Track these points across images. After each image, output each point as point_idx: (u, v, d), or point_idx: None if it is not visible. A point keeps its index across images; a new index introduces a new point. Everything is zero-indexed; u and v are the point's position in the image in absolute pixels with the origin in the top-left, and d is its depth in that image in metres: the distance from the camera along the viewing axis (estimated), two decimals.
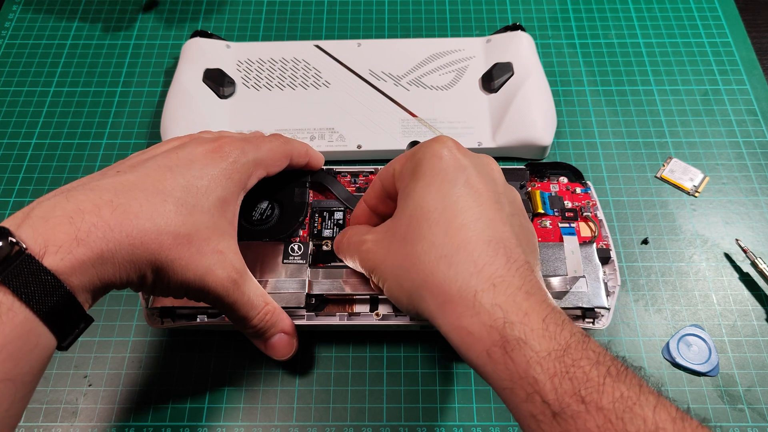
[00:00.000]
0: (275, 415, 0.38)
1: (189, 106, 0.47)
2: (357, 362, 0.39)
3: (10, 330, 0.22)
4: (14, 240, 0.23)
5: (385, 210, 0.34)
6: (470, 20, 0.57)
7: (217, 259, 0.29)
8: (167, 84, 0.53)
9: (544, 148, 0.47)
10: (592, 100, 0.52)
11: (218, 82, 0.49)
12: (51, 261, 0.23)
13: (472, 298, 0.25)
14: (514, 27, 0.52)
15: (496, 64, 0.49)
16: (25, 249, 0.23)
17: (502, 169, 0.42)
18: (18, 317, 0.23)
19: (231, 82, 0.50)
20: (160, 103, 0.52)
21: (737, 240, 0.43)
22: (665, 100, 0.51)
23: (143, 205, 0.26)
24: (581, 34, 0.56)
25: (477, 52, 0.51)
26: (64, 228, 0.24)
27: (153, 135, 0.50)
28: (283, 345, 0.34)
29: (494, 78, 0.49)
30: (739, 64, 0.53)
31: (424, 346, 0.40)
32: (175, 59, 0.54)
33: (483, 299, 0.25)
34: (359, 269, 0.33)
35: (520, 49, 0.50)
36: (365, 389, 0.38)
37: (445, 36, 0.56)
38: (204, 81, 0.49)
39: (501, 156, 0.48)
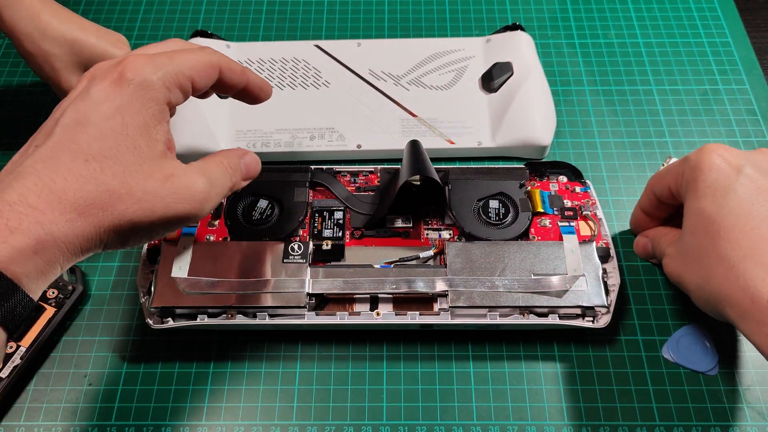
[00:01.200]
0: (275, 414, 0.38)
1: (189, 106, 0.47)
2: (357, 361, 0.39)
3: None
4: None
5: (661, 215, 0.39)
6: (470, 20, 0.57)
7: (174, 184, 0.28)
8: None
9: (543, 148, 0.47)
10: (592, 100, 0.52)
11: None
12: None
13: (766, 304, 0.25)
14: (514, 27, 0.52)
15: (495, 64, 0.49)
16: None
17: (500, 168, 0.43)
18: None
19: None
20: None
21: None
22: (665, 99, 0.51)
23: (67, 177, 0.25)
24: (581, 33, 0.56)
25: (477, 52, 0.51)
26: None
27: None
28: (252, 167, 0.34)
29: (494, 78, 0.49)
30: (739, 63, 0.53)
31: (424, 345, 0.40)
32: None
33: None
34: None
35: (519, 49, 0.50)
36: (365, 388, 0.38)
37: (445, 36, 0.56)
38: None
39: (500, 156, 0.48)
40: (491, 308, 0.36)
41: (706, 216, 0.28)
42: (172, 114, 0.30)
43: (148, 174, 0.27)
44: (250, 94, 0.33)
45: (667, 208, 0.38)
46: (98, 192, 0.26)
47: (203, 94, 0.33)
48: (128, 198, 0.26)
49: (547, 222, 0.41)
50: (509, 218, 0.40)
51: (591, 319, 0.37)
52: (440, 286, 0.37)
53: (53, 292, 0.41)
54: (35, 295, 0.25)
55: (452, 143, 0.47)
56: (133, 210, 0.26)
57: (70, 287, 0.41)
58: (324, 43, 0.53)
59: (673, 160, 0.37)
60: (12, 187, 0.25)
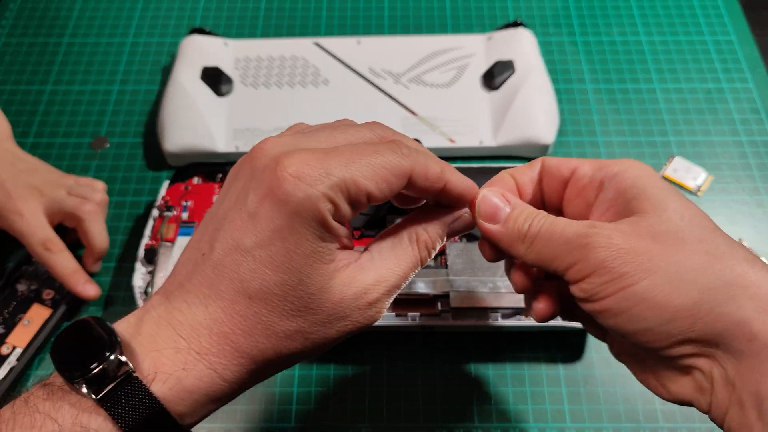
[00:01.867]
0: (273, 417, 0.37)
1: (187, 104, 0.47)
2: (356, 363, 0.39)
3: None
4: (123, 359, 0.21)
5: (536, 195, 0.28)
6: (471, 17, 0.56)
7: (343, 308, 0.24)
8: (165, 82, 0.52)
9: (545, 147, 0.46)
10: (595, 98, 0.51)
11: (216, 80, 0.49)
12: (159, 388, 0.21)
13: None
14: (516, 24, 0.51)
15: (497, 62, 0.49)
16: (134, 372, 0.21)
17: (502, 168, 0.42)
18: None
19: (229, 80, 0.49)
20: (158, 102, 0.51)
21: (740, 240, 0.43)
22: (668, 98, 0.51)
23: (233, 317, 0.22)
24: (583, 31, 0.55)
25: (478, 50, 0.51)
26: (172, 356, 0.22)
27: (150, 134, 0.50)
28: (458, 232, 0.27)
29: (495, 76, 0.48)
30: (743, 62, 0.53)
31: (425, 347, 0.39)
32: (173, 57, 0.53)
33: None
34: (546, 266, 0.25)
35: (521, 46, 0.49)
36: (365, 391, 0.38)
37: (446, 33, 0.55)
38: (202, 79, 0.49)
39: (502, 155, 0.47)
40: (493, 309, 0.36)
41: (692, 211, 0.25)
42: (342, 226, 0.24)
43: (316, 309, 0.23)
44: (445, 200, 0.26)
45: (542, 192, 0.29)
46: (267, 335, 0.23)
47: None
48: (298, 336, 0.23)
49: None
50: None
51: None
52: (441, 287, 0.36)
53: (49, 293, 0.40)
54: (192, 426, 0.23)
55: (453, 142, 0.46)
56: (306, 344, 0.23)
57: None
58: (323, 41, 0.52)
59: (677, 159, 0.33)
60: (182, 312, 0.23)
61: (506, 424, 0.37)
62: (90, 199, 0.41)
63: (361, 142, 0.24)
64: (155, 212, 0.42)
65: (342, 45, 0.52)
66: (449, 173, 0.25)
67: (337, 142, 0.24)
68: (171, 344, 0.22)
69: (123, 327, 0.22)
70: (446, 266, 0.37)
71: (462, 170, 0.42)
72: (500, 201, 0.26)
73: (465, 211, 0.27)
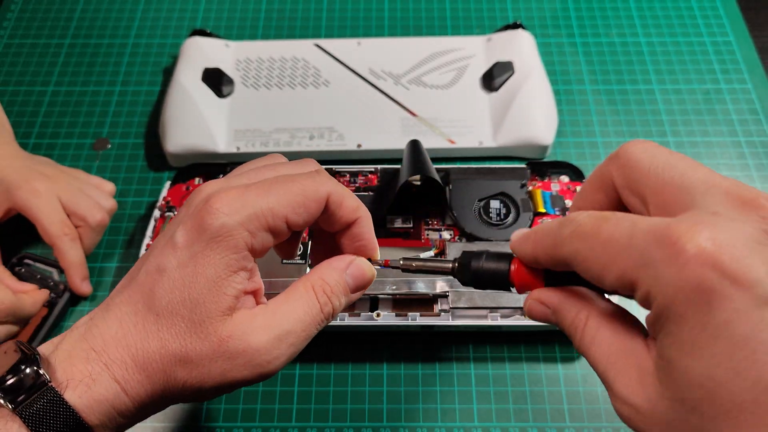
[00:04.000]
0: (274, 416, 0.37)
1: (188, 106, 0.47)
2: (356, 362, 0.39)
3: None
4: (39, 369, 0.22)
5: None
6: (471, 19, 0.57)
7: (229, 348, 0.24)
8: (166, 83, 0.52)
9: (545, 148, 0.46)
10: (594, 99, 0.51)
11: (217, 81, 0.49)
12: (70, 396, 0.22)
13: None
14: (515, 26, 0.51)
15: (496, 63, 0.49)
16: (50, 381, 0.22)
17: (501, 168, 0.42)
18: None
19: (230, 81, 0.50)
20: (159, 103, 0.52)
21: None
22: (667, 99, 0.51)
23: (140, 330, 0.24)
24: (582, 32, 0.56)
25: (477, 51, 0.51)
26: (81, 366, 0.23)
27: (152, 134, 0.50)
28: (360, 278, 0.27)
29: (495, 77, 0.48)
30: (741, 62, 0.53)
31: (425, 347, 0.40)
32: (174, 58, 0.53)
33: None
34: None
35: (520, 47, 0.50)
36: (365, 390, 0.38)
37: (446, 35, 0.55)
38: (203, 80, 0.49)
39: (501, 155, 0.47)
40: (492, 309, 0.36)
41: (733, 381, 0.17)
42: (260, 256, 0.25)
43: (204, 336, 0.24)
44: (351, 238, 0.27)
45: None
46: (161, 354, 0.24)
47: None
48: (186, 364, 0.24)
49: None
50: (510, 218, 0.40)
51: None
52: (441, 286, 0.37)
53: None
54: None
55: (453, 143, 0.46)
56: (190, 377, 0.24)
57: (61, 286, 0.41)
58: (324, 42, 0.52)
59: None
60: (99, 327, 0.24)
61: (506, 424, 0.37)
62: (102, 206, 0.42)
63: (286, 174, 0.26)
64: (157, 213, 0.42)
65: (342, 46, 0.52)
66: (364, 212, 0.27)
67: (265, 177, 0.26)
68: (83, 356, 0.23)
69: (45, 346, 0.24)
70: None
71: (462, 170, 0.42)
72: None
73: (360, 258, 0.27)
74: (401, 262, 0.27)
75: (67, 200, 0.41)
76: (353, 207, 0.26)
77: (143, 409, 0.24)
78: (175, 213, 0.33)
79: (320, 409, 0.38)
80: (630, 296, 0.19)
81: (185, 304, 0.24)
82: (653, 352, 0.19)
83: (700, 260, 0.16)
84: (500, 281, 0.24)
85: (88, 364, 0.23)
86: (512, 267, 0.23)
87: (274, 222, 0.24)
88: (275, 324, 0.25)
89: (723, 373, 0.16)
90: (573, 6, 0.57)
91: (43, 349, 0.24)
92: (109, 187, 0.44)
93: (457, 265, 0.25)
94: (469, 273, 0.25)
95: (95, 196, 0.42)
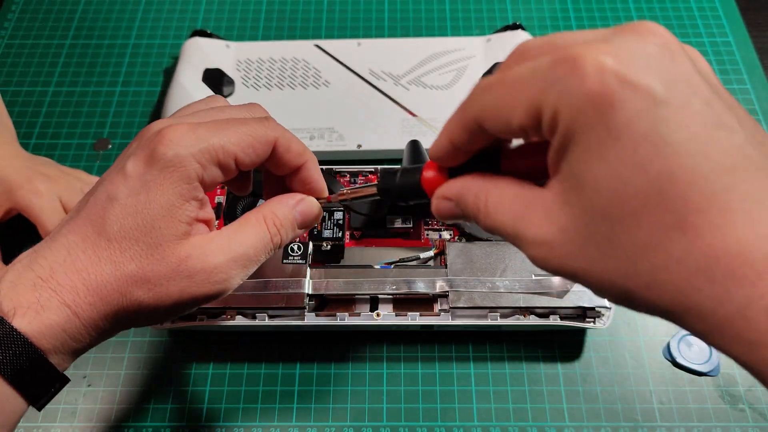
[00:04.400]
0: (275, 416, 0.37)
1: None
2: (357, 362, 0.39)
3: None
4: None
5: (475, 148, 0.23)
6: (470, 19, 0.57)
7: (188, 267, 0.26)
8: (167, 84, 0.52)
9: None
10: None
11: (218, 81, 0.49)
12: (19, 323, 0.23)
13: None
14: (515, 26, 0.51)
15: (496, 64, 0.49)
16: None
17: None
18: None
19: (230, 82, 0.50)
20: (160, 103, 0.52)
21: None
22: None
23: (91, 257, 0.25)
24: None
25: (477, 52, 0.51)
26: (27, 294, 0.24)
27: None
28: (308, 214, 0.30)
29: None
30: (740, 63, 0.53)
31: (425, 346, 0.40)
32: (175, 59, 0.53)
33: None
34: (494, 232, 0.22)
35: None
36: (365, 389, 0.38)
37: (445, 35, 0.56)
38: (203, 80, 0.49)
39: None
40: (492, 309, 0.36)
41: (633, 177, 0.17)
42: (209, 189, 0.27)
43: (162, 257, 0.25)
44: (300, 181, 0.29)
45: (488, 139, 0.22)
46: (116, 276, 0.25)
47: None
48: (144, 284, 0.25)
49: None
50: None
51: (592, 319, 0.37)
52: (441, 286, 0.37)
53: None
54: (62, 369, 0.25)
55: None
56: (149, 296, 0.25)
57: None
58: (324, 43, 0.52)
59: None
60: (45, 257, 0.25)
61: (505, 423, 0.37)
62: None
63: (235, 116, 0.28)
64: None
65: (342, 47, 0.52)
66: (310, 156, 0.29)
67: (216, 118, 0.28)
68: (30, 284, 0.24)
69: None
70: (446, 266, 0.38)
71: None
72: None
73: (309, 198, 0.29)
74: (337, 197, 0.30)
75: (68, 200, 0.41)
76: (299, 151, 0.29)
77: (98, 333, 0.25)
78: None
79: (320, 408, 0.38)
80: (539, 135, 0.19)
81: (139, 228, 0.25)
82: (556, 186, 0.19)
83: (602, 70, 0.17)
84: (415, 191, 0.25)
85: (35, 292, 0.24)
86: (423, 174, 0.24)
87: (224, 158, 0.26)
88: (231, 248, 0.27)
89: (628, 170, 0.17)
90: (572, 6, 0.58)
91: None
92: None
93: (380, 184, 0.27)
94: (389, 191, 0.26)
95: None
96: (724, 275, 0.16)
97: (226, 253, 0.27)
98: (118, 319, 0.26)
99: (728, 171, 0.16)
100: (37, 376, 0.24)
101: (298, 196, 0.29)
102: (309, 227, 0.30)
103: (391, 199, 0.27)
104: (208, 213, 0.27)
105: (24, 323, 0.23)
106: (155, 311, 0.26)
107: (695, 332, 0.17)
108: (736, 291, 0.16)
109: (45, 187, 0.40)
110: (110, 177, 0.26)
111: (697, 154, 0.17)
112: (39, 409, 0.25)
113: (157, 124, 0.27)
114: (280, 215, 0.29)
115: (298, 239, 0.39)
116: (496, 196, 0.22)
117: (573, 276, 0.19)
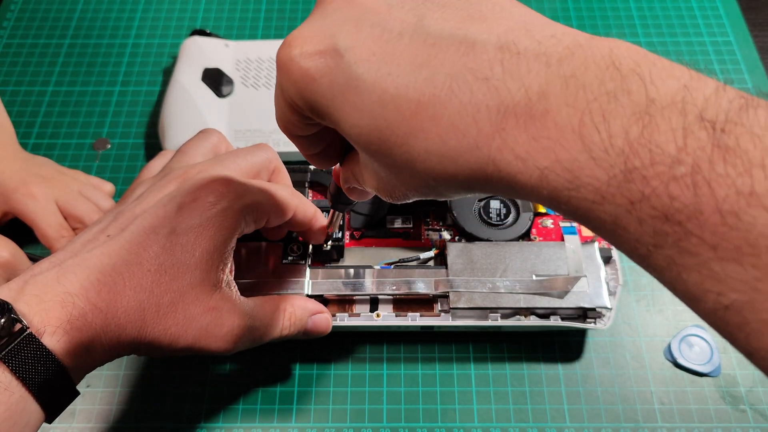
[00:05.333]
0: (274, 417, 0.37)
1: (188, 106, 0.47)
2: (356, 363, 0.39)
3: (5, 409, 0.22)
4: (16, 317, 0.23)
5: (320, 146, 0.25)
6: None
7: (212, 317, 0.27)
8: (166, 83, 0.52)
9: None
10: None
11: (217, 81, 0.49)
12: (49, 342, 0.23)
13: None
14: None
15: None
16: (28, 327, 0.23)
17: None
18: (14, 396, 0.22)
19: (230, 81, 0.50)
20: (159, 103, 0.52)
21: None
22: None
23: (127, 281, 0.26)
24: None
25: None
26: (57, 311, 0.24)
27: (151, 134, 0.50)
28: (320, 325, 0.34)
29: None
30: (741, 63, 0.53)
31: (425, 347, 0.40)
32: (174, 58, 0.53)
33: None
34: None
35: None
36: (365, 390, 0.38)
37: None
38: (203, 80, 0.49)
39: None
40: (492, 309, 0.36)
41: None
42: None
43: (195, 299, 0.27)
44: (307, 237, 0.36)
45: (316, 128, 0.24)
46: (148, 304, 0.26)
47: None
48: (171, 317, 0.26)
49: (548, 222, 0.41)
50: (510, 219, 0.40)
51: (593, 320, 0.37)
52: (441, 287, 0.37)
53: None
54: (76, 384, 0.25)
55: None
56: (169, 332, 0.26)
57: None
58: None
59: None
60: (75, 273, 0.25)
61: (506, 424, 0.37)
62: (101, 207, 0.42)
63: (258, 165, 0.32)
64: None
65: None
66: (319, 217, 0.35)
67: (241, 167, 0.31)
68: (58, 300, 0.24)
69: (4, 293, 0.24)
70: (446, 266, 0.38)
71: None
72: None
73: (328, 315, 0.35)
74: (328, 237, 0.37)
75: (65, 202, 0.41)
76: (311, 215, 0.34)
77: (112, 355, 0.26)
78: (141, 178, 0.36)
79: (320, 409, 0.38)
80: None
81: (180, 267, 0.27)
82: (358, 153, 0.22)
83: (290, 58, 0.20)
84: (339, 194, 0.28)
85: (65, 309, 0.24)
86: (333, 173, 0.28)
87: (260, 217, 0.30)
88: (253, 316, 0.29)
89: (364, 115, 0.18)
90: (573, 6, 0.57)
91: (4, 296, 0.24)
92: (108, 187, 0.44)
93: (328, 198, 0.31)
94: (333, 196, 0.30)
95: (94, 198, 0.42)
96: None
97: (246, 320, 0.29)
98: (132, 347, 0.26)
99: (419, 66, 0.17)
100: (59, 393, 0.24)
101: (321, 307, 0.34)
102: (311, 338, 0.34)
103: (341, 204, 0.30)
104: (233, 265, 0.31)
105: (53, 341, 0.23)
106: (168, 347, 0.27)
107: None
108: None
109: (40, 190, 0.40)
110: (155, 208, 0.28)
111: (383, 68, 0.18)
112: (50, 423, 0.25)
113: (200, 174, 0.30)
114: (297, 314, 0.32)
115: (298, 239, 0.39)
116: (357, 172, 0.24)
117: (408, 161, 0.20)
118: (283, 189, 0.32)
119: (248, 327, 0.29)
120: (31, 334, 0.23)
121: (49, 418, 0.25)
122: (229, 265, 0.29)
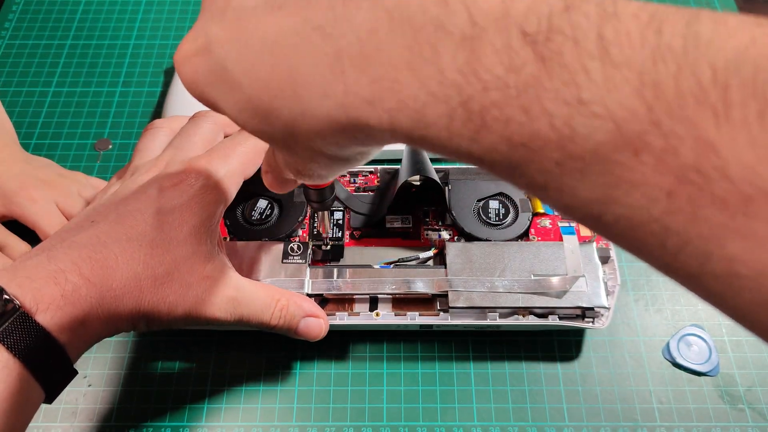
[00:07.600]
0: (275, 416, 0.38)
1: (189, 107, 0.47)
2: (356, 362, 0.39)
3: (5, 387, 0.22)
4: (8, 297, 0.23)
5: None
6: None
7: (207, 285, 0.28)
8: (167, 84, 0.53)
9: None
10: None
11: None
12: (42, 319, 0.24)
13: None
14: None
15: None
16: (20, 306, 0.23)
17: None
18: (12, 374, 0.23)
19: None
20: (160, 103, 0.52)
21: None
22: None
23: (119, 255, 0.26)
24: None
25: None
26: (50, 288, 0.24)
27: None
28: (312, 329, 0.34)
29: None
30: None
31: (424, 346, 0.40)
32: None
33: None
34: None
35: None
36: (365, 389, 0.38)
37: None
38: None
39: None
40: (491, 309, 0.36)
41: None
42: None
43: (190, 269, 0.28)
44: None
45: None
46: (144, 275, 0.26)
47: None
48: (167, 286, 0.27)
49: (547, 222, 0.41)
50: (509, 219, 0.40)
51: (591, 319, 0.37)
52: (440, 286, 0.37)
53: None
54: (74, 361, 0.26)
55: None
56: (170, 299, 0.27)
57: None
58: None
59: None
60: (65, 253, 0.25)
61: (505, 423, 0.37)
62: None
63: (220, 146, 0.33)
64: None
65: None
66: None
67: (198, 145, 0.33)
68: (50, 277, 0.25)
69: None
70: (445, 266, 0.38)
71: (461, 171, 0.42)
72: None
73: (323, 320, 0.34)
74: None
75: (65, 205, 0.41)
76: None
77: (110, 330, 0.27)
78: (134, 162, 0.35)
79: (320, 408, 0.38)
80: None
81: (171, 241, 0.28)
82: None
83: (180, 62, 0.21)
84: (306, 193, 0.30)
85: (57, 286, 0.24)
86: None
87: (239, 180, 0.32)
88: (244, 297, 0.30)
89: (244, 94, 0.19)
90: None
91: None
92: None
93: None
94: (304, 194, 0.31)
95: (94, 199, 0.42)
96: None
97: (235, 299, 0.30)
98: (131, 320, 0.27)
99: (269, 32, 0.17)
100: (56, 369, 0.24)
101: (318, 311, 0.34)
102: (301, 338, 0.34)
103: (313, 202, 0.31)
104: (221, 238, 0.32)
105: (47, 318, 0.24)
106: (167, 317, 0.27)
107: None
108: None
109: (40, 194, 0.40)
110: (134, 195, 0.29)
111: (242, 50, 0.18)
112: (50, 402, 0.25)
113: (170, 168, 0.30)
114: (290, 309, 0.32)
115: (297, 239, 0.39)
116: (273, 163, 0.25)
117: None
118: (251, 139, 0.32)
119: (244, 296, 0.30)
120: (23, 312, 0.23)
121: (49, 397, 0.25)
122: (217, 238, 0.30)
